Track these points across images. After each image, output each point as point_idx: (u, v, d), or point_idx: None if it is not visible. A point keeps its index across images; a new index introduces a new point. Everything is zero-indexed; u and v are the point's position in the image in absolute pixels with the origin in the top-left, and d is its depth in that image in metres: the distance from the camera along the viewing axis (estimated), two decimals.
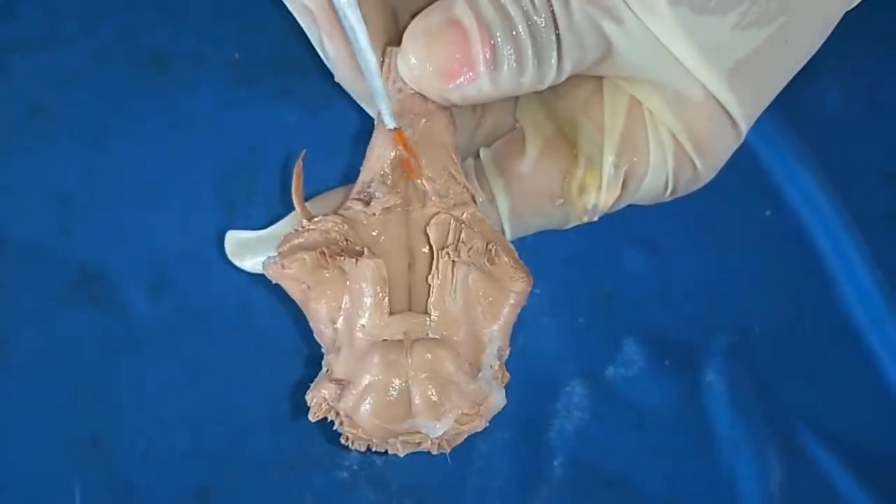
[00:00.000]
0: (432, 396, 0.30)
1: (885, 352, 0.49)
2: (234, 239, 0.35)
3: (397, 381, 0.29)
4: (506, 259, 0.31)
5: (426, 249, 0.32)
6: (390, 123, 0.30)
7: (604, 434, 0.48)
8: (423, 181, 0.31)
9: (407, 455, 0.31)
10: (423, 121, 0.31)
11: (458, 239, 0.30)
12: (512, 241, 0.33)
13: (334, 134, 0.48)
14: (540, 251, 0.48)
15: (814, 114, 0.49)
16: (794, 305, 0.49)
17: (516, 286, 0.31)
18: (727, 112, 0.32)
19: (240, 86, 0.48)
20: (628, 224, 0.46)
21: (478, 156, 0.36)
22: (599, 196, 0.34)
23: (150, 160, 0.48)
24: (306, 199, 0.33)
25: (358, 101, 0.35)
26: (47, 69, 0.48)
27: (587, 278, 0.49)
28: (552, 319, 0.49)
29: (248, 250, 0.35)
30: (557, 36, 0.29)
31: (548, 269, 0.49)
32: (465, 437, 0.31)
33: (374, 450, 0.32)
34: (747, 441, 0.48)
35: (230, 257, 0.35)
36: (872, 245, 0.49)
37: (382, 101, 0.30)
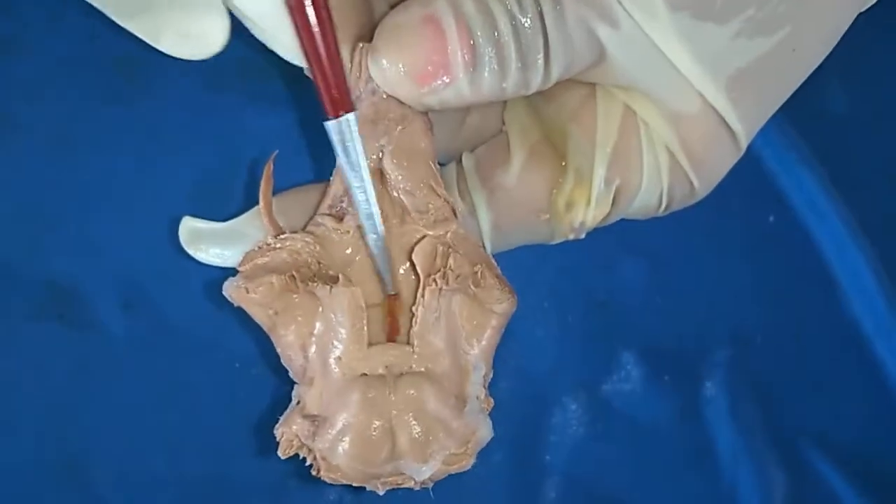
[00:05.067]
0: (418, 437, 0.28)
1: (891, 361, 0.48)
2: (190, 228, 0.34)
3: (379, 421, 0.28)
4: (491, 281, 0.30)
5: (405, 269, 0.30)
6: (389, 288, 0.30)
7: (600, 451, 0.48)
8: (402, 195, 0.30)
9: None
10: (400, 127, 0.29)
11: (446, 265, 0.29)
12: (495, 255, 0.32)
13: (312, 137, 0.47)
14: (532, 260, 0.47)
15: (818, 117, 0.49)
16: (797, 315, 0.49)
17: (500, 307, 0.30)
18: (726, 125, 0.30)
19: (211, 90, 0.47)
20: (625, 231, 0.45)
21: (460, 160, 0.34)
22: (588, 212, 0.32)
23: (121, 170, 0.46)
24: (274, 194, 0.32)
25: None
26: (10, 77, 0.46)
27: (582, 288, 0.48)
28: (545, 331, 0.48)
29: (202, 241, 0.34)
30: (545, 38, 0.28)
31: (540, 279, 0.48)
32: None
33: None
34: (749, 456, 0.48)
35: (184, 245, 0.34)
36: (879, 251, 0.48)
37: (385, 273, 0.30)
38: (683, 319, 0.48)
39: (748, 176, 0.48)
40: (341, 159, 0.28)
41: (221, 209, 0.45)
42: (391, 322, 0.30)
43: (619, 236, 0.46)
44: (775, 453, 0.48)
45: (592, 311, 0.48)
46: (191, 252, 0.34)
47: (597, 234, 0.35)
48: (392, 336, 0.30)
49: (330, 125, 0.28)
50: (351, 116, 0.28)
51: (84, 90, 0.46)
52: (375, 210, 0.29)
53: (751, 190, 0.48)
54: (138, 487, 0.46)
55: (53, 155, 0.46)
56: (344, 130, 0.28)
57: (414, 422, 0.28)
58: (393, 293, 0.30)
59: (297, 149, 0.46)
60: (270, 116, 0.47)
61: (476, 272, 0.29)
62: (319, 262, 0.29)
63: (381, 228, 0.29)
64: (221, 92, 0.47)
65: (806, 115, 0.48)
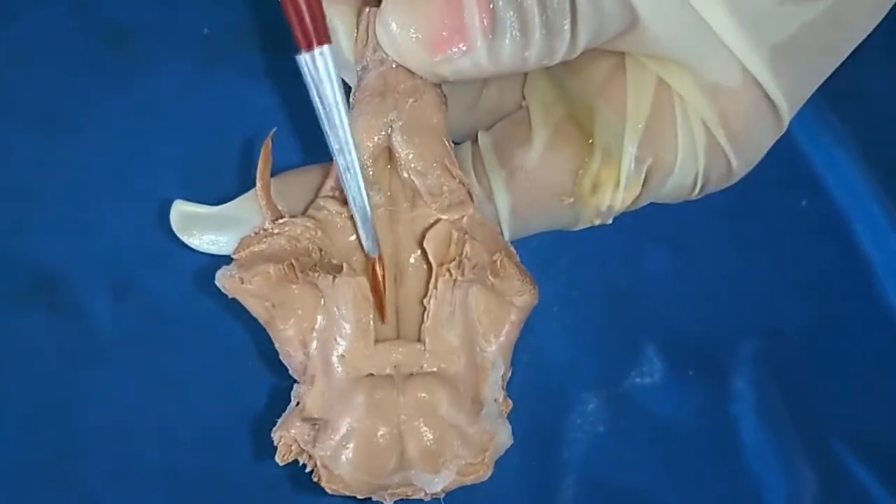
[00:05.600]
0: (429, 445, 0.26)
1: None
2: (181, 212, 0.32)
3: (386, 427, 0.26)
4: (511, 270, 0.28)
5: (415, 258, 0.28)
6: (371, 250, 0.27)
7: (621, 449, 0.46)
8: (412, 176, 0.27)
9: None
10: (411, 100, 0.27)
11: (462, 254, 0.26)
12: (512, 242, 0.30)
13: (312, 114, 0.45)
14: (549, 247, 0.46)
15: (855, 95, 0.47)
16: (830, 304, 0.47)
17: (520, 299, 0.28)
18: (768, 98, 0.29)
19: (208, 64, 0.45)
20: (647, 216, 0.44)
21: (475, 139, 0.32)
22: (616, 195, 0.31)
23: (110, 148, 0.45)
24: (272, 175, 0.30)
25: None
26: None
27: (602, 278, 0.47)
28: (563, 324, 0.46)
29: (195, 226, 0.32)
30: (572, 1, 0.26)
31: (558, 268, 0.46)
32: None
33: None
34: (778, 454, 0.46)
35: (175, 231, 0.33)
36: None
37: (366, 236, 0.27)
38: (709, 310, 0.47)
39: (779, 157, 0.44)
40: (315, 102, 0.26)
41: (214, 191, 0.44)
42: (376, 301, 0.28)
43: (642, 223, 0.45)
44: (805, 451, 0.46)
45: (613, 301, 0.47)
46: (183, 238, 0.33)
47: (618, 219, 0.33)
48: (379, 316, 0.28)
49: (304, 59, 0.25)
50: (326, 49, 0.25)
51: (70, 62, 0.45)
52: (355, 156, 0.26)
53: (782, 172, 0.47)
54: (130, 482, 0.44)
55: (38, 132, 0.45)
56: (318, 66, 0.25)
57: (425, 428, 0.26)
58: (374, 257, 0.27)
59: (296, 126, 0.44)
60: (267, 92, 0.45)
61: (495, 261, 0.27)
62: (321, 250, 0.27)
63: (359, 176, 0.27)
64: (215, 65, 0.45)
65: (842, 93, 0.46)
